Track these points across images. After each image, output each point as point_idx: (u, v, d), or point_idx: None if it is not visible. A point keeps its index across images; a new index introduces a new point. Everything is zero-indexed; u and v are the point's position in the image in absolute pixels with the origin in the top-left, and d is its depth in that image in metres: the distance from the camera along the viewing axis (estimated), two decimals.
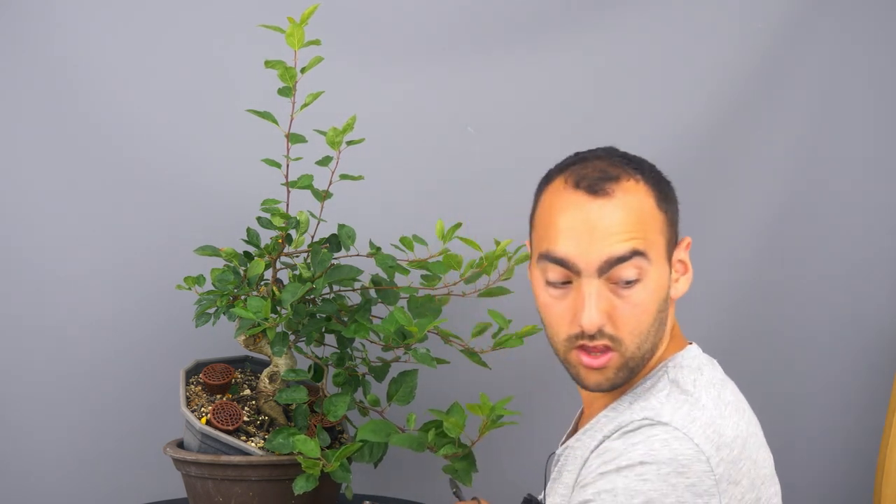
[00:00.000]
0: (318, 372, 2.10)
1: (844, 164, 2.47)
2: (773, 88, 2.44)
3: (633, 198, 1.42)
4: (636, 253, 1.40)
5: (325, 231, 2.12)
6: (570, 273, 1.42)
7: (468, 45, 2.45)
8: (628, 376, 1.44)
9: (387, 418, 2.02)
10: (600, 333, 1.40)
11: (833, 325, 2.50)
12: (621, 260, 1.40)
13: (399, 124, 2.45)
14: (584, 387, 1.46)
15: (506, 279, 2.11)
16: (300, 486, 1.90)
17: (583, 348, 1.42)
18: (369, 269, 2.14)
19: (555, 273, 1.43)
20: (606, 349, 1.41)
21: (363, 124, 2.07)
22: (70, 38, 2.42)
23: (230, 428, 1.98)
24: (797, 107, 2.45)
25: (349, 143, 2.03)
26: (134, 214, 2.45)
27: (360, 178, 2.07)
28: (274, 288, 2.04)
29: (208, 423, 1.98)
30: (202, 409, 2.03)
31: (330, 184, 2.06)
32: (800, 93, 2.45)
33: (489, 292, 2.11)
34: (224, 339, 2.26)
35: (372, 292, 2.13)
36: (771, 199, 2.48)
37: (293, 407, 2.08)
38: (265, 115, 2.04)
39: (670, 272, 1.46)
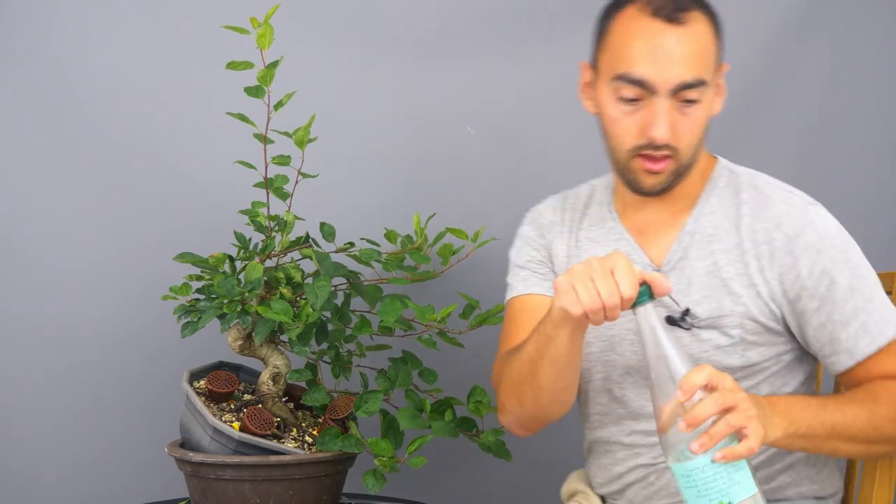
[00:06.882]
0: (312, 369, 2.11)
1: (845, 163, 2.49)
2: (773, 88, 2.47)
3: (700, 28, 1.65)
4: (701, 81, 1.65)
5: (296, 230, 2.12)
6: (644, 92, 1.65)
7: (454, 44, 2.47)
8: (676, 181, 1.71)
9: (392, 404, 2.08)
10: (665, 144, 1.65)
11: None
12: (689, 86, 1.64)
13: (370, 123, 2.48)
14: (639, 189, 1.72)
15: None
16: (371, 484, 1.94)
17: (646, 156, 1.68)
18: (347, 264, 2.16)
19: (630, 91, 1.66)
20: (666, 157, 1.67)
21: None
22: (66, 38, 2.40)
23: (267, 433, 1.97)
24: (798, 107, 2.48)
25: (305, 141, 2.06)
26: (131, 214, 2.44)
27: (316, 175, 2.11)
28: (283, 290, 2.03)
29: (244, 429, 1.96)
30: (222, 417, 2.00)
31: (297, 182, 2.09)
32: (801, 93, 2.47)
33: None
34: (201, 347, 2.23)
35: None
36: None
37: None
38: (240, 117, 2.05)
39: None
